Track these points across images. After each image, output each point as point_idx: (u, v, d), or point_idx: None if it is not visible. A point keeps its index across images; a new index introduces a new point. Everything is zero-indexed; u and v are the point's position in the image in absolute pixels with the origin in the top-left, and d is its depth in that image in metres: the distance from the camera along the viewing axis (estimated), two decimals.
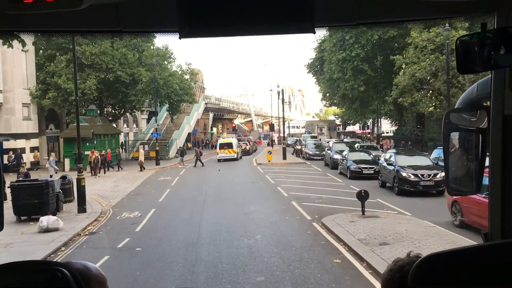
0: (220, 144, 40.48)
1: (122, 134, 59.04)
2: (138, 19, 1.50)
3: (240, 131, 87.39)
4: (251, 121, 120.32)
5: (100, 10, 1.43)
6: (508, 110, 1.66)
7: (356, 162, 23.66)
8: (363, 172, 22.91)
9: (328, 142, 43.89)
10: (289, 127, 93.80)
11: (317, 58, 55.57)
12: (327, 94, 55.77)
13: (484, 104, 1.83)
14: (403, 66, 31.87)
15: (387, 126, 78.32)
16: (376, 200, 16.31)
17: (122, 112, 43.44)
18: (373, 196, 14.76)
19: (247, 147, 48.13)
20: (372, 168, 22.86)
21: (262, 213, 14.93)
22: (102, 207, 17.20)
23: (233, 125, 74.55)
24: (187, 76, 43.76)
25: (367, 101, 45.63)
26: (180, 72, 43.38)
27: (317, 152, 37.11)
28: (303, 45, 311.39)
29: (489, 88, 1.73)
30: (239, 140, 48.37)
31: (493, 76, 1.71)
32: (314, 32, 1.37)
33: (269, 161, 34.86)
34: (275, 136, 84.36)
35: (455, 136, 1.92)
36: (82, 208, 15.66)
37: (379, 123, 72.88)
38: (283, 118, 40.96)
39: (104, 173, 30.13)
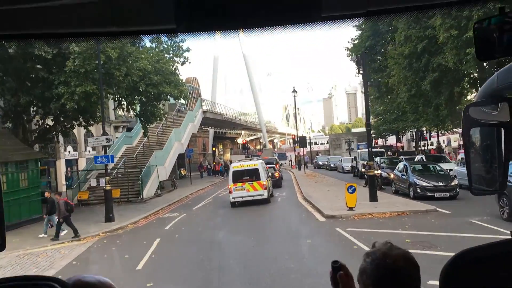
0: (235, 172, 20.01)
1: (81, 159, 40.52)
2: (132, 15, 1.35)
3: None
4: (254, 140, 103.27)
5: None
6: None
7: None
8: None
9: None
10: (309, 143, 76.73)
11: (366, 36, 37.45)
12: (386, 86, 37.25)
13: (506, 95, 1.68)
14: None
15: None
16: None
17: (60, 124, 24.21)
18: None
19: (277, 174, 28.63)
20: None
21: None
22: None
23: (244, 141, 55.43)
24: (168, 56, 24.67)
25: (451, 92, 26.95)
26: (157, 48, 24.49)
27: (441, 184, 17.97)
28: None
29: (511, 77, 1.61)
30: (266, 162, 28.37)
31: None
32: (321, 21, 1.22)
33: (351, 208, 15.71)
34: (292, 156, 68.69)
35: (475, 132, 1.73)
36: None
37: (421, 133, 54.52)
38: (368, 110, 20.48)
39: None
